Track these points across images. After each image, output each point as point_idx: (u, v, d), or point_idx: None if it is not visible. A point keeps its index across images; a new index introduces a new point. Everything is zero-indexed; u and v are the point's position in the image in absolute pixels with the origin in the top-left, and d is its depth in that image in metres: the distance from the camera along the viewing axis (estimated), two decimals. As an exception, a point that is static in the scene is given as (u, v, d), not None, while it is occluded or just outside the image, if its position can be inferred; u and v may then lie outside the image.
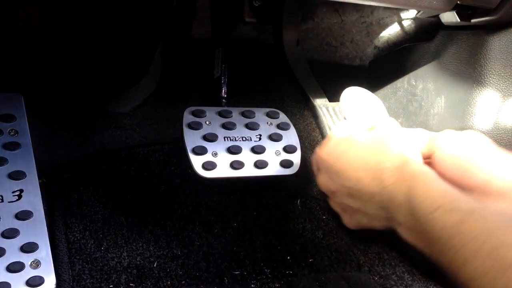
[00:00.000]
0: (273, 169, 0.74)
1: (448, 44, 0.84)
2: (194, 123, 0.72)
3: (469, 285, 0.45)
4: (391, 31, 1.10)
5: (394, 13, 1.08)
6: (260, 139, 0.75)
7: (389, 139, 0.63)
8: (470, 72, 0.79)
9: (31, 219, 0.63)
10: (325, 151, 0.69)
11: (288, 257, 0.74)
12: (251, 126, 0.76)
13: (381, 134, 0.65)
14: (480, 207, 0.49)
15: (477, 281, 0.43)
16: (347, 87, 0.96)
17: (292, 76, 1.02)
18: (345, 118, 0.84)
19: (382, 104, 0.85)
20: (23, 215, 0.63)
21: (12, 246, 0.61)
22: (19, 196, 0.64)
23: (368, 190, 0.61)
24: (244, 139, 0.74)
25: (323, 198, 0.74)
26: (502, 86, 0.77)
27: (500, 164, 0.57)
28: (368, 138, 0.65)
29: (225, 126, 0.74)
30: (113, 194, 0.76)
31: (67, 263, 0.65)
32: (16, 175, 0.65)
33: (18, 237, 0.62)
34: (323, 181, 0.69)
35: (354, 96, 0.80)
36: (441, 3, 0.70)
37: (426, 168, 0.57)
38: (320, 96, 0.98)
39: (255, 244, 0.75)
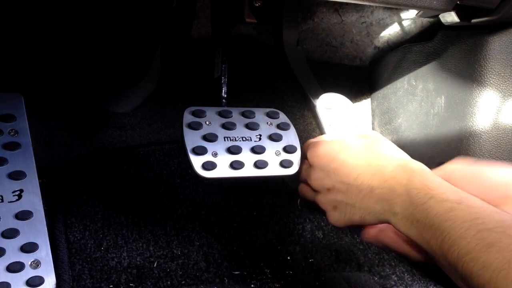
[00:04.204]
0: (273, 169, 0.73)
1: (448, 44, 0.84)
2: (194, 123, 0.72)
3: (456, 264, 0.52)
4: (391, 31, 1.10)
5: (394, 13, 1.08)
6: (260, 139, 0.75)
7: (385, 144, 0.71)
8: (470, 72, 0.79)
9: (31, 219, 0.63)
10: (322, 150, 0.72)
11: (288, 257, 0.74)
12: (251, 126, 0.76)
13: (376, 140, 0.72)
14: (467, 198, 0.57)
15: (462, 259, 0.51)
16: (347, 87, 0.97)
17: (292, 76, 1.02)
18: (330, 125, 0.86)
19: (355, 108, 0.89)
20: (23, 215, 0.63)
21: (12, 246, 0.61)
22: (19, 196, 0.64)
23: (368, 184, 0.65)
24: (244, 139, 0.74)
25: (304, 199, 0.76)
26: (502, 86, 0.77)
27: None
28: (363, 141, 0.71)
29: (225, 126, 0.74)
30: (113, 194, 0.76)
31: (67, 263, 0.65)
32: (16, 175, 0.65)
33: (18, 237, 0.61)
34: (318, 178, 0.71)
35: (333, 103, 0.88)
36: (441, 3, 0.70)
37: (424, 166, 0.64)
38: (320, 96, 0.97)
39: (255, 244, 0.75)
